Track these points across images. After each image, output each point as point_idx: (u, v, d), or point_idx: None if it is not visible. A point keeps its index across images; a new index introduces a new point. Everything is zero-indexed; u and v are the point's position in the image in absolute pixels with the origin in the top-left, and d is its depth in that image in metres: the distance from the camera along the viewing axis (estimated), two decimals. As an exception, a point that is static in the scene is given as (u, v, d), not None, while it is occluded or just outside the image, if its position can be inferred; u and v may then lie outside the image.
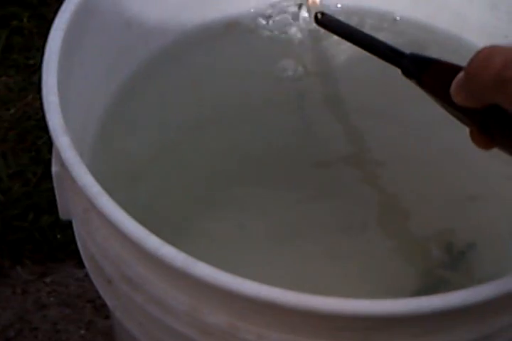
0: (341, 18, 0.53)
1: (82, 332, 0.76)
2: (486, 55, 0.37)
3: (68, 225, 0.52)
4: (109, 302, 0.48)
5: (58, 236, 0.84)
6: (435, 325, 0.37)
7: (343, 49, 0.67)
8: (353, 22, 0.66)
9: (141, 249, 0.38)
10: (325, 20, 0.53)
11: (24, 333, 0.76)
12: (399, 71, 0.47)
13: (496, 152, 0.43)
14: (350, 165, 0.66)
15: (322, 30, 0.54)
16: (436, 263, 0.61)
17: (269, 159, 0.66)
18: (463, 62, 0.40)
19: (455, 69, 0.41)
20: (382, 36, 0.50)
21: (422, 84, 0.45)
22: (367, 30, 0.52)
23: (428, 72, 0.44)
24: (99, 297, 0.49)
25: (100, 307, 0.77)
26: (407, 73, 0.46)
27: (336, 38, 0.53)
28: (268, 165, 0.66)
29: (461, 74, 0.39)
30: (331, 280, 0.58)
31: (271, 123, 0.66)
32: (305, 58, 0.68)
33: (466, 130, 0.43)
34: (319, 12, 0.53)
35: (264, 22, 0.67)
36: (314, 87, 0.67)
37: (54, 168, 0.48)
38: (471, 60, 0.38)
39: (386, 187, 0.66)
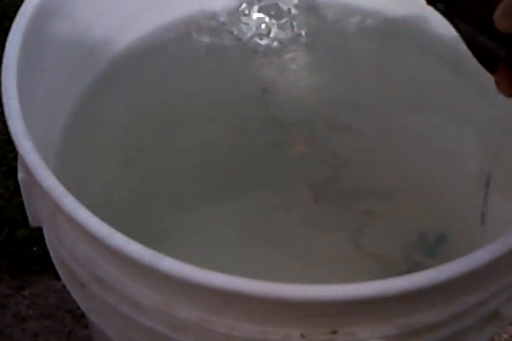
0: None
1: (63, 342, 0.75)
2: None
3: (43, 237, 0.51)
4: (83, 307, 0.48)
5: (34, 248, 0.84)
6: (404, 306, 0.37)
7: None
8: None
9: (108, 247, 0.38)
10: None
11: (5, 347, 0.76)
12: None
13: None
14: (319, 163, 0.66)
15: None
16: (410, 254, 0.62)
17: (241, 161, 0.66)
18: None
19: None
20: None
21: (451, 8, 0.37)
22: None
23: None
24: (79, 307, 0.49)
25: (79, 317, 0.76)
26: None
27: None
28: (240, 166, 0.66)
29: None
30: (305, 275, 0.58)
31: (240, 125, 0.67)
32: (267, 56, 0.68)
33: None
34: None
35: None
36: (277, 83, 0.67)
37: (20, 175, 0.49)
38: None
39: (360, 181, 0.66)
